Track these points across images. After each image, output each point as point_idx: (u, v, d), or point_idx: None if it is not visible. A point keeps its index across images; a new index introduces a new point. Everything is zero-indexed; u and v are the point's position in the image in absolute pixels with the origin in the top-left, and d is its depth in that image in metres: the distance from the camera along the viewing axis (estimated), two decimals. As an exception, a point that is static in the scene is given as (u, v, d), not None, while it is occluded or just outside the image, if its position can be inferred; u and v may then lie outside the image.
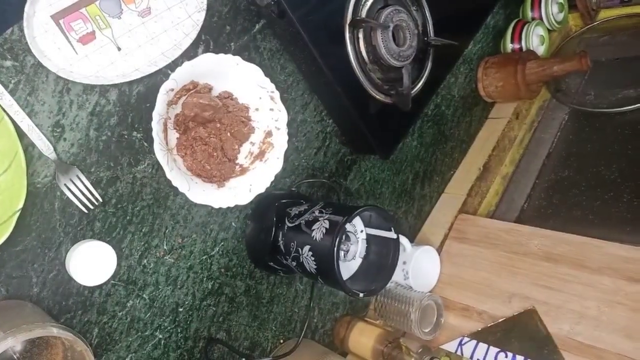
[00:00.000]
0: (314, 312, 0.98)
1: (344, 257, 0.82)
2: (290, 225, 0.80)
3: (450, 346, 0.97)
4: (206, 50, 0.78)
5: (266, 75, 0.78)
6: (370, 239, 0.83)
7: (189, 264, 0.82)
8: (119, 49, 0.72)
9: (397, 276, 1.01)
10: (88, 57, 0.70)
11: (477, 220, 1.13)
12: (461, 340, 0.97)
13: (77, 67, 0.69)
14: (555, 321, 0.90)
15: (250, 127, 0.82)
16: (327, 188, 0.98)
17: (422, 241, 1.13)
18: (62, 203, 0.69)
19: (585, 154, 1.21)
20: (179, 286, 0.81)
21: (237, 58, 0.76)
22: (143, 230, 0.76)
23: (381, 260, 0.82)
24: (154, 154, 0.70)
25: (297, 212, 0.80)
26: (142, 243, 0.76)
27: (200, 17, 0.76)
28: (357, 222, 0.83)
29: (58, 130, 0.68)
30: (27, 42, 0.64)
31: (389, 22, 0.88)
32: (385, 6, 0.89)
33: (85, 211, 0.70)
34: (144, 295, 0.78)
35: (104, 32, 0.71)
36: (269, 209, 0.84)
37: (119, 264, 0.74)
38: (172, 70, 0.72)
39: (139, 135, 0.74)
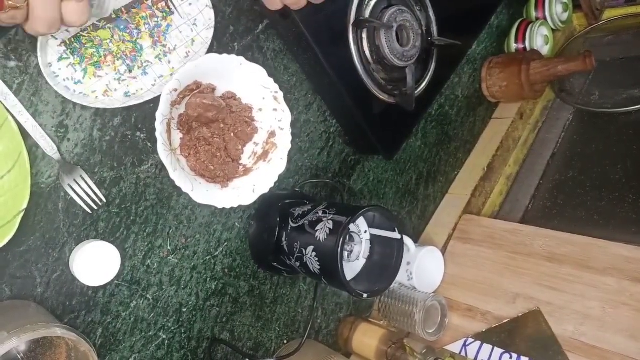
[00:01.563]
0: (318, 313, 0.98)
1: (348, 257, 0.82)
2: (293, 225, 0.80)
3: (455, 347, 0.97)
4: (210, 51, 0.78)
5: (270, 75, 0.78)
6: (374, 239, 0.83)
7: (192, 264, 0.82)
8: (130, 70, 0.72)
9: (401, 277, 1.01)
10: (101, 80, 0.70)
11: (481, 220, 1.13)
12: (465, 341, 0.97)
13: (90, 91, 0.69)
14: (560, 322, 0.90)
15: (254, 128, 0.82)
16: (330, 188, 0.98)
17: (426, 242, 1.13)
18: (66, 203, 0.69)
19: (589, 154, 1.20)
20: (182, 286, 0.81)
21: (241, 58, 0.76)
22: (147, 230, 0.76)
23: (385, 261, 0.81)
24: (157, 154, 0.70)
25: (300, 213, 0.80)
26: (146, 243, 0.76)
27: (209, 34, 0.76)
28: (361, 222, 0.83)
29: (62, 131, 0.68)
30: (39, 66, 0.65)
31: (393, 22, 0.88)
32: (389, 6, 0.89)
33: (89, 211, 0.70)
34: (148, 296, 0.78)
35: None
36: (272, 210, 0.84)
37: (122, 264, 0.74)
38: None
39: (142, 135, 0.74)
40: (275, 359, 0.89)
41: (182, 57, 0.76)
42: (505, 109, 1.29)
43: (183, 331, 0.82)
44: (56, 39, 0.66)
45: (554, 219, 1.14)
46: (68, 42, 0.67)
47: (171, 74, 0.75)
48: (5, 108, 0.63)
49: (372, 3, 0.87)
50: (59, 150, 0.67)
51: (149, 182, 0.76)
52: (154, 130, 0.69)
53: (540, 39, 1.24)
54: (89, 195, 0.70)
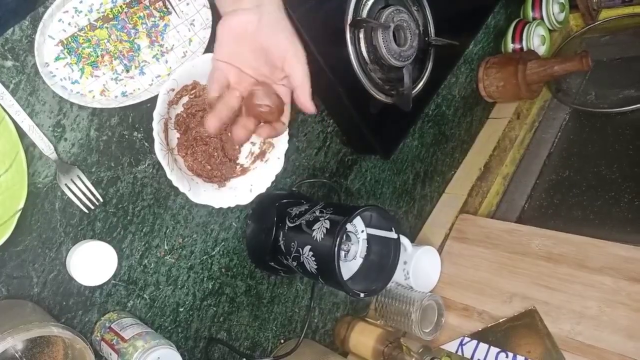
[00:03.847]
0: (315, 312, 0.98)
1: (345, 257, 0.82)
2: (290, 225, 0.80)
3: (451, 346, 0.97)
4: (207, 51, 0.78)
5: (267, 75, 0.78)
6: (370, 239, 0.83)
7: (189, 264, 0.82)
8: (128, 70, 0.72)
9: (398, 276, 1.01)
10: (98, 80, 0.70)
11: (478, 220, 1.13)
12: (462, 340, 0.97)
13: (87, 91, 0.69)
14: (556, 321, 0.90)
15: (251, 127, 0.82)
16: (327, 188, 0.98)
17: (423, 241, 1.13)
18: (63, 203, 0.69)
19: (586, 154, 1.21)
20: (179, 286, 0.81)
21: (238, 58, 0.76)
22: (144, 230, 0.76)
23: (382, 260, 0.82)
24: (154, 154, 0.70)
25: (297, 212, 0.80)
26: (143, 243, 0.76)
27: (207, 34, 0.76)
28: (358, 222, 0.83)
29: (59, 130, 0.68)
30: (36, 65, 0.65)
31: (390, 22, 0.88)
32: (386, 6, 0.89)
33: (86, 211, 0.70)
34: (145, 295, 0.78)
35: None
36: (269, 209, 0.84)
37: (119, 264, 0.74)
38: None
39: (139, 135, 0.74)
40: (272, 358, 0.89)
41: (180, 56, 0.76)
42: (502, 108, 1.29)
43: (180, 331, 0.82)
44: (53, 38, 0.66)
45: (550, 218, 1.14)
46: (65, 42, 0.67)
47: (168, 74, 0.75)
48: (2, 108, 0.62)
49: (370, 3, 0.87)
50: (55, 150, 0.67)
51: (146, 181, 0.76)
52: (151, 130, 0.69)
53: (537, 39, 1.24)
54: (85, 195, 0.70)
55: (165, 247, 0.79)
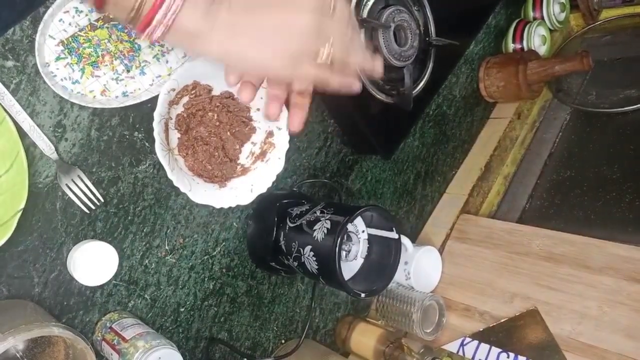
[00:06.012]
0: (316, 313, 0.98)
1: (346, 257, 0.82)
2: (291, 225, 0.80)
3: (452, 346, 0.97)
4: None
5: (267, 75, 0.78)
6: (371, 239, 0.83)
7: (190, 264, 0.82)
8: (128, 70, 0.72)
9: (399, 276, 1.01)
10: (98, 80, 0.70)
11: (479, 220, 1.13)
12: (463, 341, 0.97)
13: (88, 91, 0.69)
14: (557, 321, 0.90)
15: (252, 127, 0.82)
16: (328, 188, 0.98)
17: (424, 241, 1.13)
18: (64, 203, 0.69)
19: (587, 154, 1.21)
20: (180, 286, 0.81)
21: (239, 58, 0.76)
22: (144, 230, 0.76)
23: (383, 261, 0.82)
24: (155, 154, 0.70)
25: (298, 212, 0.80)
26: (144, 243, 0.76)
27: None
28: (359, 222, 0.83)
29: (59, 131, 0.68)
30: (36, 65, 0.65)
31: (391, 22, 0.88)
32: (387, 6, 0.89)
33: (87, 211, 0.70)
34: (146, 296, 0.78)
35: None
36: (270, 209, 0.84)
37: (120, 264, 0.73)
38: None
39: (140, 135, 0.74)
40: (273, 358, 0.89)
41: (180, 57, 0.76)
42: (503, 108, 1.29)
43: (181, 331, 0.82)
44: (54, 38, 0.66)
45: (551, 218, 1.14)
46: (65, 42, 0.67)
47: (169, 74, 0.74)
48: (3, 108, 0.62)
49: (370, 3, 0.87)
50: (56, 150, 0.67)
51: (147, 182, 0.76)
52: (152, 130, 0.69)
53: (537, 39, 1.24)
54: (86, 195, 0.70)
55: (166, 247, 0.79)
